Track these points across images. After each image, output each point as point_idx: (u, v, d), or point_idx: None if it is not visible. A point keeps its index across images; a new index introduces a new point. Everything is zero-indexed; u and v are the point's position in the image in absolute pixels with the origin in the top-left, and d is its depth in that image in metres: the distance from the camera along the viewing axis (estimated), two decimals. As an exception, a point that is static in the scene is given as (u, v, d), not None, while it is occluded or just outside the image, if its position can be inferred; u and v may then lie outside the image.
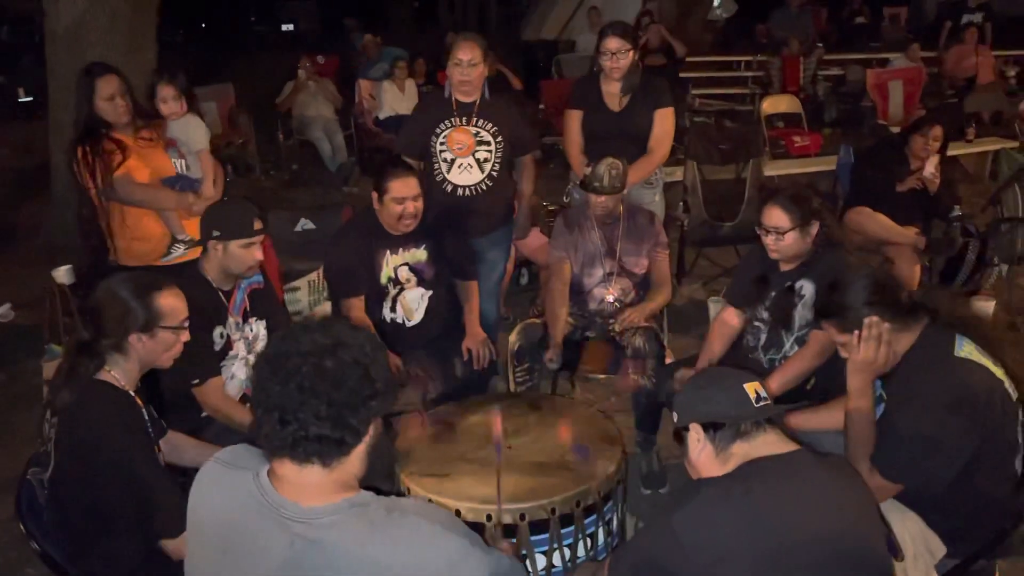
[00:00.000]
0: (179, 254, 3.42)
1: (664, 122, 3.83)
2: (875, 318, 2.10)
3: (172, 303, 2.20)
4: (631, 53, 3.72)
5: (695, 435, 1.74)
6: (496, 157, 3.64)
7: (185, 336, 2.24)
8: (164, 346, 2.19)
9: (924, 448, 2.02)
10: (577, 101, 3.95)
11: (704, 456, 1.73)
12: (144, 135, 3.39)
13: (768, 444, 1.69)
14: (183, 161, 3.48)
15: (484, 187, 3.65)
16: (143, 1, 5.80)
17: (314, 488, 1.41)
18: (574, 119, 3.91)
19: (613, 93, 3.83)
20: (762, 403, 1.71)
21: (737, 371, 1.82)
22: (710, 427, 1.72)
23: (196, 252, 3.39)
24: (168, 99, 3.37)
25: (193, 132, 3.43)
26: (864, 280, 2.18)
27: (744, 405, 1.70)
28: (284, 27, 25.74)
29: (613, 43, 3.71)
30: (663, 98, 3.84)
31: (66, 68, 5.50)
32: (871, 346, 2.11)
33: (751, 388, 1.72)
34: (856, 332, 2.12)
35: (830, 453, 1.90)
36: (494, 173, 3.65)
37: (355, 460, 1.44)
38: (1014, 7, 13.28)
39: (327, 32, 18.75)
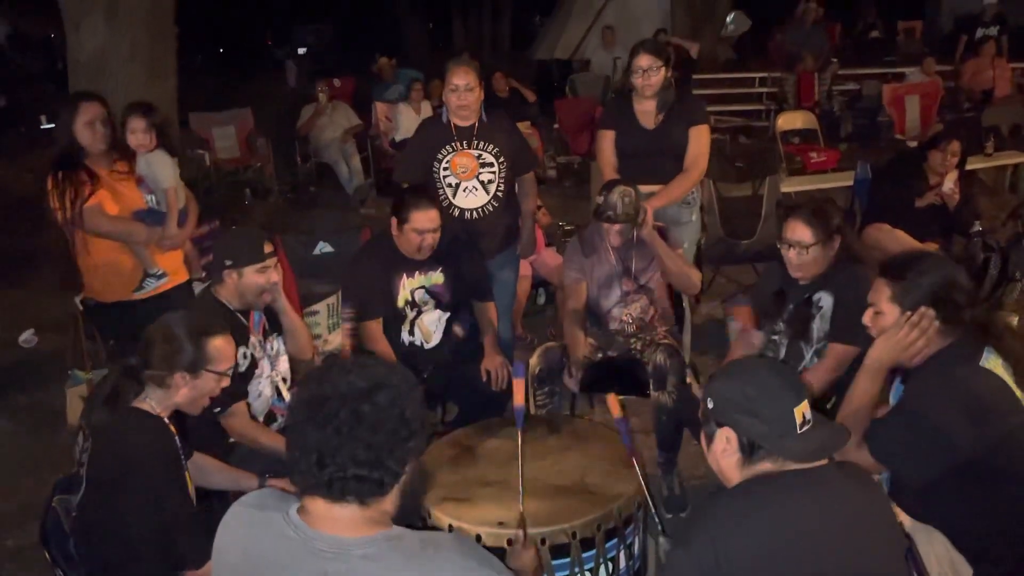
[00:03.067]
0: (152, 288, 3.44)
1: (699, 139, 3.78)
2: (932, 312, 2.09)
3: (223, 348, 2.25)
4: (663, 70, 3.70)
5: (726, 436, 1.69)
6: (500, 178, 3.65)
7: (226, 382, 2.28)
8: (205, 390, 2.23)
9: (917, 435, 2.02)
10: (609, 121, 3.94)
11: (729, 460, 1.70)
12: (120, 167, 3.38)
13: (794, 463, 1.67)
14: (154, 195, 3.47)
15: (490, 208, 3.66)
16: (163, 29, 5.90)
17: (347, 522, 1.42)
18: (607, 140, 3.90)
19: (647, 111, 3.80)
20: (805, 428, 1.65)
21: (787, 379, 1.71)
22: (745, 439, 1.66)
23: (168, 284, 3.47)
24: (137, 131, 3.32)
25: (159, 169, 3.37)
26: (943, 272, 2.15)
27: (787, 433, 1.64)
28: (300, 50, 26.00)
29: (644, 60, 3.70)
30: (697, 115, 3.80)
31: (88, 96, 5.60)
32: (913, 334, 2.10)
33: (799, 412, 1.64)
34: (908, 313, 2.11)
35: (851, 465, 1.88)
36: (499, 194, 3.66)
37: (391, 498, 1.45)
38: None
39: (343, 55, 18.93)
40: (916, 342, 2.11)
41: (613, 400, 2.52)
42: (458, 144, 3.61)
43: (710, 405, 1.73)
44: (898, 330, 2.12)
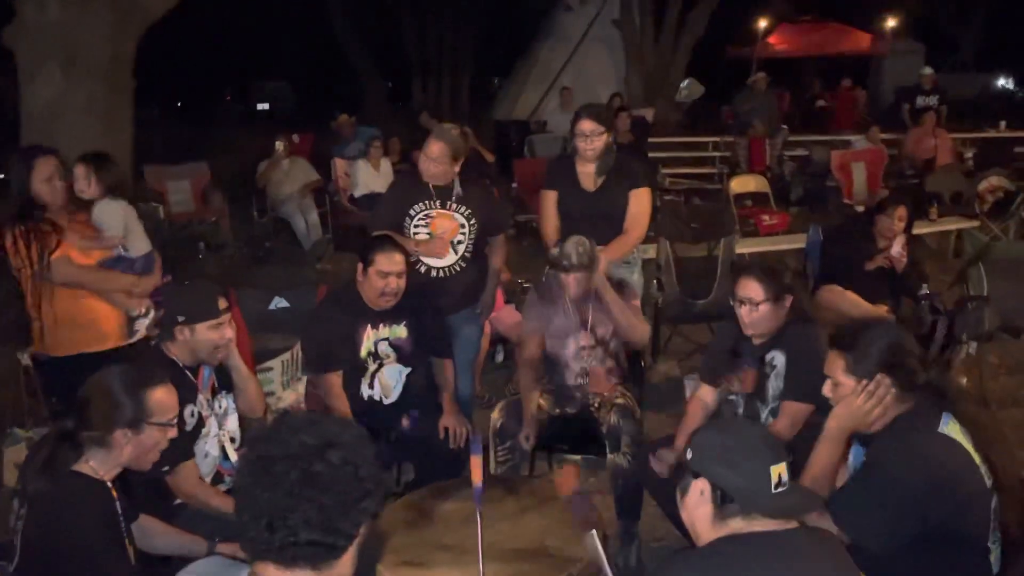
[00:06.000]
0: (144, 328, 3.38)
1: (639, 202, 3.87)
2: (888, 380, 2.12)
3: (163, 399, 2.17)
4: (605, 135, 3.78)
5: (700, 487, 1.69)
6: (469, 239, 3.68)
7: (172, 433, 2.20)
8: (150, 444, 2.14)
9: (880, 505, 2.02)
10: (552, 182, 3.98)
11: (701, 512, 1.69)
12: (80, 218, 3.34)
13: (765, 523, 1.67)
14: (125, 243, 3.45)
15: (458, 268, 3.68)
16: (119, 82, 5.86)
17: None
18: (549, 199, 3.95)
19: (588, 173, 3.87)
20: (780, 490, 1.65)
21: (768, 439, 1.75)
22: (719, 491, 1.67)
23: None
24: (79, 178, 3.29)
25: (107, 217, 3.34)
26: (892, 338, 2.18)
27: (762, 490, 1.64)
28: (260, 106, 26.08)
29: (587, 125, 3.77)
30: (638, 179, 3.90)
31: (41, 148, 5.51)
32: (870, 403, 2.12)
33: (776, 472, 1.65)
34: (863, 381, 2.13)
35: (821, 530, 1.88)
36: (467, 254, 3.69)
37: (345, 561, 1.39)
38: (966, 89, 13.87)
39: (302, 111, 19.04)
40: (873, 410, 2.13)
41: (568, 474, 2.49)
42: (434, 203, 3.63)
43: (689, 455, 1.73)
44: (855, 398, 2.14)
